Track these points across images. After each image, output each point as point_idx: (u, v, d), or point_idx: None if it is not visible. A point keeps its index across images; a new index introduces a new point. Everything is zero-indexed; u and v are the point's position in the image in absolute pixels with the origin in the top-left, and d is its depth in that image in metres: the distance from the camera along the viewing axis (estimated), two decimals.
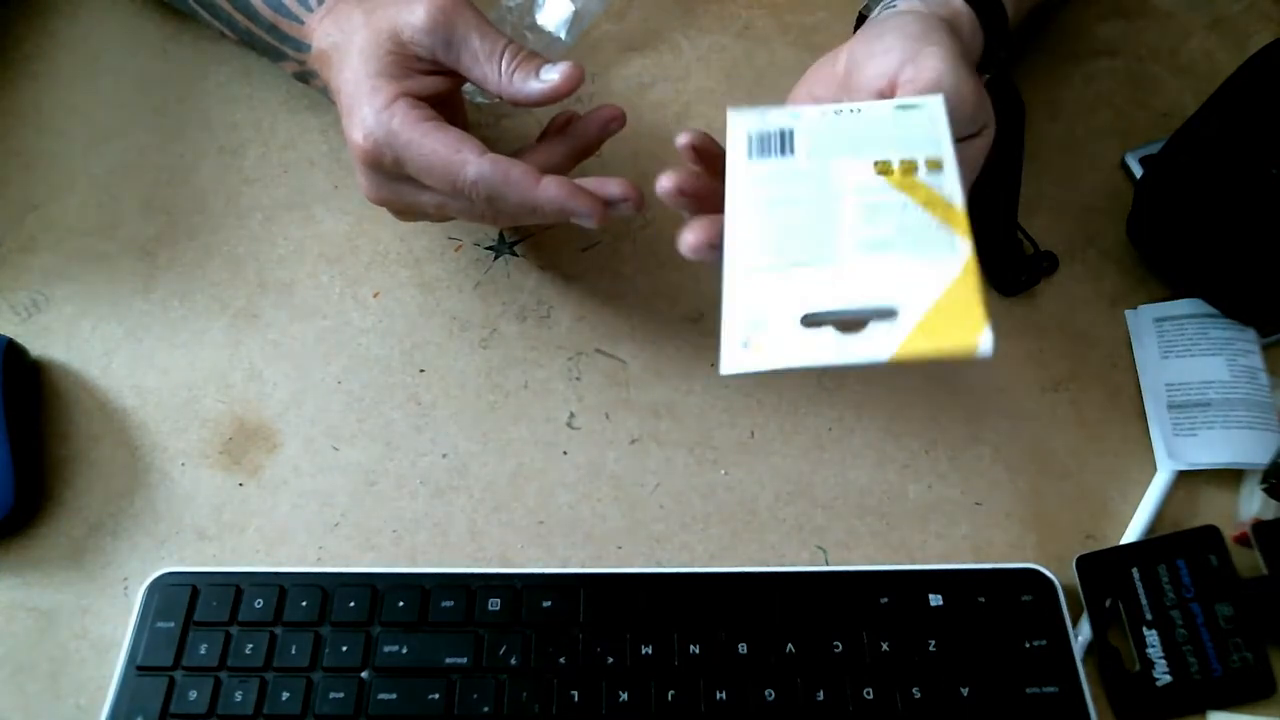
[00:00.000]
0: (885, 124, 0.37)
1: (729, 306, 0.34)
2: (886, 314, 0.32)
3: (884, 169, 0.36)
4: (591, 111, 0.44)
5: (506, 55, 0.41)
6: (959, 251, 0.33)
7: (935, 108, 0.37)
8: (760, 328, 0.33)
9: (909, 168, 0.35)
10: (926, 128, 0.36)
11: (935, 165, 0.35)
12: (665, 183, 0.37)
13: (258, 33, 0.48)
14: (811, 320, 0.33)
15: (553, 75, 0.41)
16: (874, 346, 0.32)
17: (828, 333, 0.33)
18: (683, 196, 0.37)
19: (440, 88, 0.43)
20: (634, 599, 0.42)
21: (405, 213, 0.45)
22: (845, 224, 0.35)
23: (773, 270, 0.34)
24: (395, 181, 0.42)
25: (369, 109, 0.41)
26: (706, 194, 0.38)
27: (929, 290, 0.33)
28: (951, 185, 0.35)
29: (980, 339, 0.31)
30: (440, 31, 0.41)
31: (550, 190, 0.40)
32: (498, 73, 0.41)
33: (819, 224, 0.35)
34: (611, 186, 0.41)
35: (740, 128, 0.38)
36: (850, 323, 0.33)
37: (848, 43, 0.42)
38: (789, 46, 0.57)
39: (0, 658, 0.42)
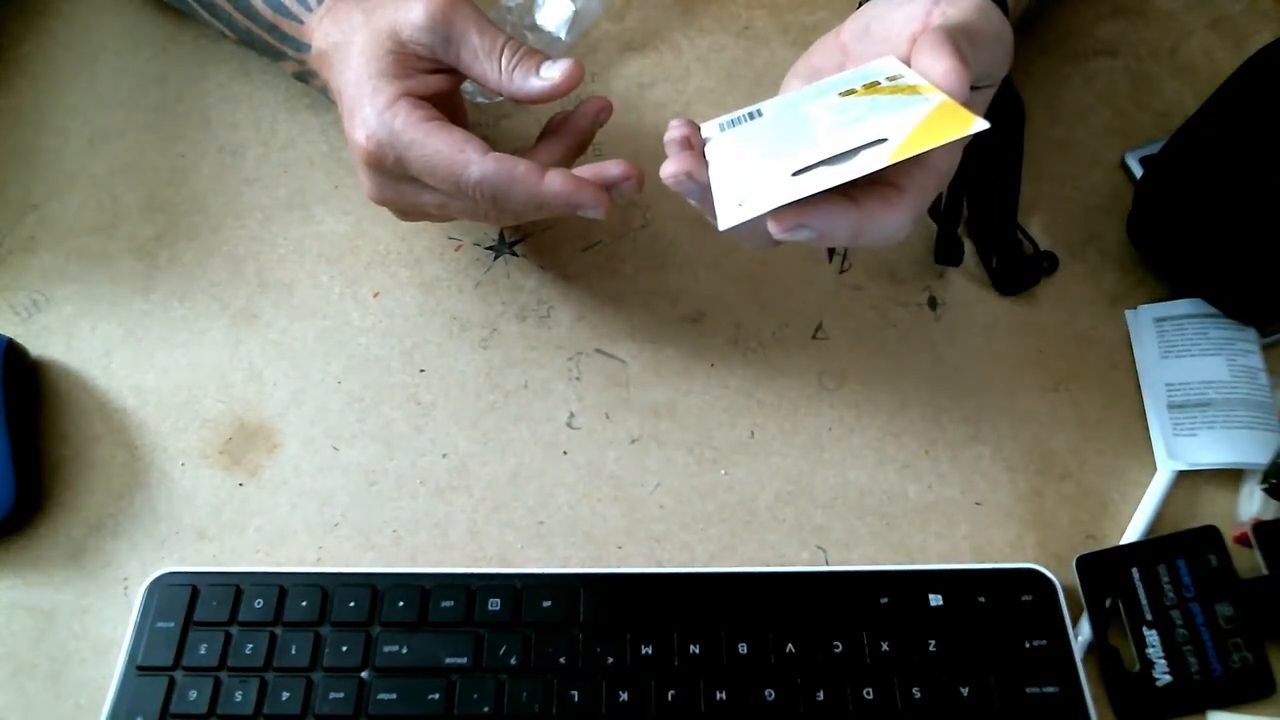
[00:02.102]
0: (844, 77, 0.38)
1: (719, 185, 0.35)
2: (876, 144, 0.33)
3: (848, 93, 0.37)
4: (579, 105, 0.44)
5: (506, 52, 0.41)
6: (932, 100, 0.34)
7: (888, 58, 0.38)
8: (752, 190, 0.34)
9: (871, 85, 0.36)
10: (882, 65, 0.38)
11: (895, 78, 0.36)
12: (669, 168, 0.37)
13: (258, 33, 0.48)
14: (802, 172, 0.33)
15: (553, 72, 0.41)
16: (870, 160, 0.32)
17: (820, 169, 0.33)
18: (689, 179, 0.37)
19: (441, 86, 0.43)
20: (634, 599, 0.42)
21: (407, 213, 0.45)
22: (818, 124, 0.35)
23: (758, 161, 0.35)
24: (398, 182, 0.42)
25: (371, 109, 0.41)
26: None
27: (913, 118, 0.33)
28: (913, 79, 0.35)
29: (973, 122, 0.32)
30: (440, 29, 0.41)
31: (556, 184, 0.40)
32: (498, 69, 0.41)
33: (793, 133, 0.36)
34: (611, 168, 0.41)
35: (712, 125, 0.39)
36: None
37: (851, 17, 0.41)
38: (789, 46, 0.57)
39: (0, 658, 0.42)
